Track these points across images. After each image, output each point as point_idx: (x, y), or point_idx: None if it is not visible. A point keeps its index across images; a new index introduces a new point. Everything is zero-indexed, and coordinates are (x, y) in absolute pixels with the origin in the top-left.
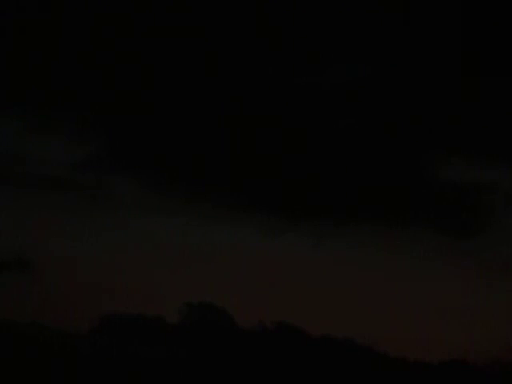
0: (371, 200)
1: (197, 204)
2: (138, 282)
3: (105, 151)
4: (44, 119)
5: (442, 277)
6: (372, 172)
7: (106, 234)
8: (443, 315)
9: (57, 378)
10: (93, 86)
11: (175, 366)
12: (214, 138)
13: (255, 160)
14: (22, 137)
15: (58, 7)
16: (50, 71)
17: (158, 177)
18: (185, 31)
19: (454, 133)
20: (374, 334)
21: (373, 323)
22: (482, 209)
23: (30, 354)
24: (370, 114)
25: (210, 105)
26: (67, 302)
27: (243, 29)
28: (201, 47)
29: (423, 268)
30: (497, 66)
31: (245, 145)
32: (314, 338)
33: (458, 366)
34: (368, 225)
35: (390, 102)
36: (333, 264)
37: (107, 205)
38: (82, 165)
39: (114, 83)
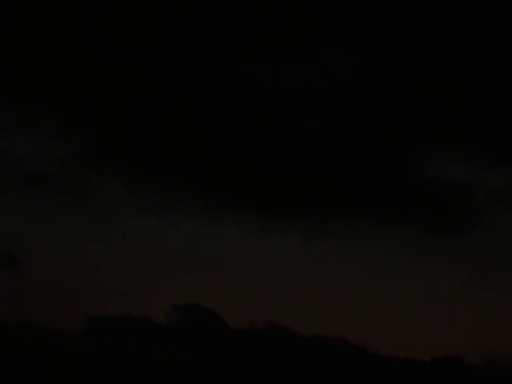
0: (359, 199)
1: (184, 204)
2: (126, 282)
3: (91, 150)
4: (27, 117)
5: (433, 275)
6: (359, 171)
7: (93, 233)
8: (434, 313)
9: (47, 377)
10: (76, 83)
11: (166, 367)
12: (201, 137)
13: (243, 160)
14: (5, 135)
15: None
16: (32, 68)
17: (145, 176)
18: (165, 28)
19: (442, 132)
20: (365, 332)
21: (364, 322)
22: (470, 207)
23: (20, 354)
24: (358, 112)
25: (198, 104)
26: (55, 301)
27: (226, 29)
28: (181, 45)
29: (413, 266)
30: (488, 66)
31: (233, 145)
32: (305, 337)
33: (451, 363)
34: (356, 223)
35: (379, 101)
36: (322, 263)
37: (94, 204)
38: (68, 163)
39: (99, 81)
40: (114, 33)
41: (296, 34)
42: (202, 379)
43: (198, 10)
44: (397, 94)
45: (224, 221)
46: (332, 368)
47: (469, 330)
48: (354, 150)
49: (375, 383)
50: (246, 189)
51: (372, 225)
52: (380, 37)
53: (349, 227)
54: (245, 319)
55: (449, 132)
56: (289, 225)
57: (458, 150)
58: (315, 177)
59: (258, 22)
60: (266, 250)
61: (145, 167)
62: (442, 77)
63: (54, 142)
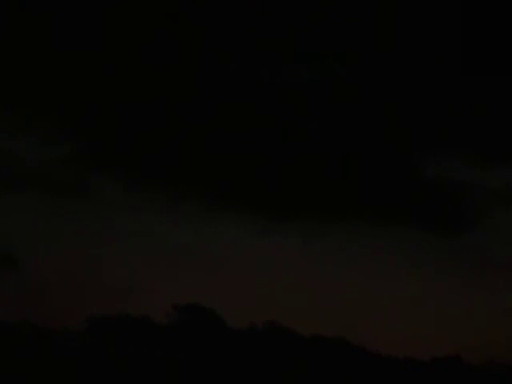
0: (359, 199)
1: (184, 204)
2: (125, 282)
3: (91, 150)
4: (27, 117)
5: (433, 275)
6: (359, 171)
7: (93, 233)
8: (434, 313)
9: (45, 377)
10: (76, 83)
11: (166, 367)
12: (200, 137)
13: (242, 160)
14: (5, 135)
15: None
16: (32, 68)
17: (145, 176)
18: (165, 28)
19: (442, 132)
20: (365, 332)
21: (364, 322)
22: (470, 207)
23: (20, 354)
24: (358, 112)
25: (198, 104)
26: (55, 301)
27: (231, 27)
28: (180, 45)
29: (412, 266)
30: (488, 66)
31: (232, 144)
32: (305, 337)
33: (451, 363)
34: (355, 223)
35: (379, 101)
36: (322, 263)
37: (94, 204)
38: (68, 163)
39: (98, 81)
40: (114, 33)
41: (296, 34)
42: (202, 379)
43: (197, 9)
44: (396, 93)
45: (224, 221)
46: (332, 368)
47: (469, 330)
48: (353, 150)
49: (375, 383)
50: (246, 189)
51: (372, 225)
52: (380, 37)
53: (349, 227)
54: (245, 319)
55: (449, 132)
56: (289, 225)
57: (458, 150)
58: (315, 177)
59: (258, 22)
60: (266, 250)
61: (144, 167)
62: (442, 77)
63: (54, 142)
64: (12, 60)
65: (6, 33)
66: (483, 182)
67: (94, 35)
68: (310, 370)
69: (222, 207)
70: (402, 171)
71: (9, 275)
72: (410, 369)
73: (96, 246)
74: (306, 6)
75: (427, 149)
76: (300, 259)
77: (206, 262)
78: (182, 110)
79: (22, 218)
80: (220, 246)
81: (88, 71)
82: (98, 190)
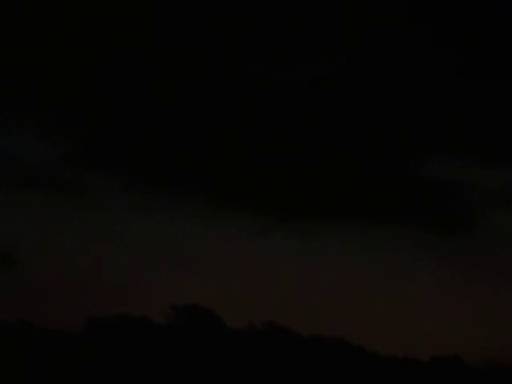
0: (357, 199)
1: (183, 203)
2: (124, 282)
3: (91, 149)
4: (27, 117)
5: (431, 275)
6: (358, 171)
7: (92, 233)
8: (434, 313)
9: (46, 377)
10: (75, 82)
11: (165, 367)
12: (200, 137)
13: (242, 159)
14: (4, 135)
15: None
16: (31, 68)
17: (144, 176)
18: (165, 28)
19: (441, 131)
20: (365, 332)
21: (363, 322)
22: (470, 207)
23: (18, 353)
24: (358, 112)
25: (198, 104)
26: (53, 301)
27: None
28: (180, 45)
29: (411, 266)
30: (488, 66)
31: (231, 144)
32: (304, 337)
33: (450, 363)
34: (355, 223)
35: (379, 101)
36: (321, 263)
37: (93, 204)
38: (67, 163)
39: (98, 80)
40: (113, 32)
41: (296, 33)
42: (201, 379)
43: (197, 9)
44: (397, 93)
45: (224, 221)
46: (331, 368)
47: (468, 329)
48: (353, 150)
49: (374, 383)
50: (246, 189)
51: (372, 225)
52: (380, 36)
53: (348, 227)
54: (244, 319)
55: (449, 132)
56: (289, 225)
57: (458, 150)
58: (315, 177)
59: (258, 22)
60: (266, 250)
61: (144, 167)
62: (442, 77)
63: (53, 142)
64: (13, 60)
65: (5, 32)
66: (483, 182)
67: (93, 34)
68: (309, 371)
69: (222, 207)
70: (402, 171)
71: (8, 275)
72: (410, 369)
73: (95, 245)
74: (306, 6)
75: (427, 149)
76: (299, 259)
77: (205, 262)
78: (182, 109)
79: (21, 217)
80: (219, 246)
81: (87, 70)
82: (98, 190)
